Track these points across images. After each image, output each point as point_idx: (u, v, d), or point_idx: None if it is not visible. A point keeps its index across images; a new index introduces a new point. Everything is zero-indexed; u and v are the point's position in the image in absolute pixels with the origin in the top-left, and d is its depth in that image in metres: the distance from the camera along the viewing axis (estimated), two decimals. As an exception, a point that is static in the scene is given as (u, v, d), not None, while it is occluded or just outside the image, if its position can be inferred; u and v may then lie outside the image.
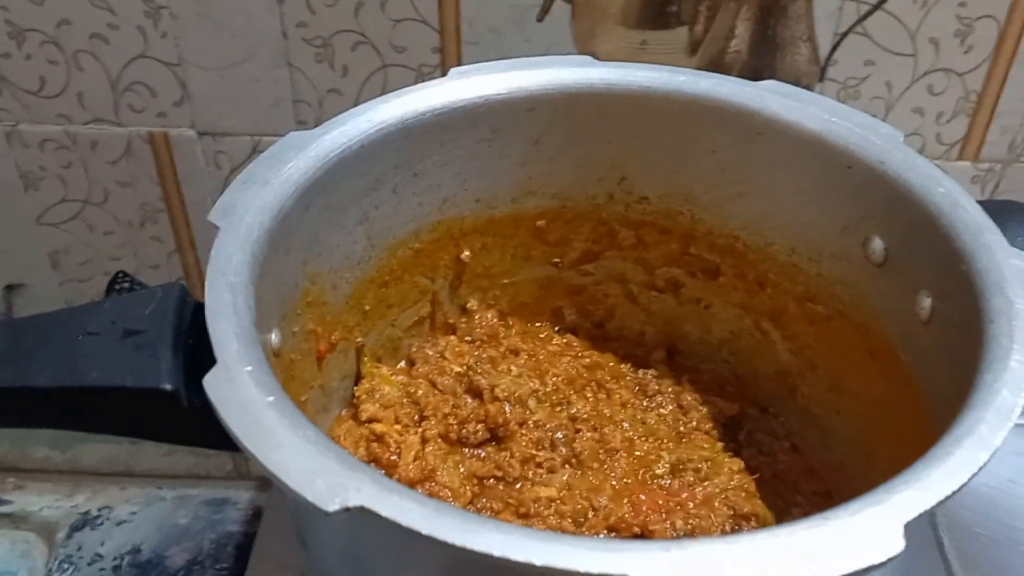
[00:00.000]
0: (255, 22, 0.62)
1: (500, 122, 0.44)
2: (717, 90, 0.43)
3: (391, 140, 0.41)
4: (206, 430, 0.31)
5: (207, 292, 0.31)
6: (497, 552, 0.24)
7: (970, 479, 0.25)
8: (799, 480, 0.46)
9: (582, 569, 0.24)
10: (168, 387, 0.32)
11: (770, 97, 0.43)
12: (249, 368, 0.29)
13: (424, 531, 0.25)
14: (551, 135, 0.45)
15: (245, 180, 0.37)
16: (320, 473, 0.26)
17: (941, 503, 0.25)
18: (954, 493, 0.25)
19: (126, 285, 0.74)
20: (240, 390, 0.28)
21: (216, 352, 0.29)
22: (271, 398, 0.28)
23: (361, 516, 0.25)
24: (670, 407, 0.48)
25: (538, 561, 0.24)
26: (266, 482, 0.85)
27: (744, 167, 0.44)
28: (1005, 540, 0.47)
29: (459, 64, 0.59)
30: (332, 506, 0.25)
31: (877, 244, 0.40)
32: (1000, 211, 0.37)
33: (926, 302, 0.37)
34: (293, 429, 0.27)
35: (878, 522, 0.24)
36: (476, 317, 0.50)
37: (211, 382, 0.28)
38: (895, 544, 0.24)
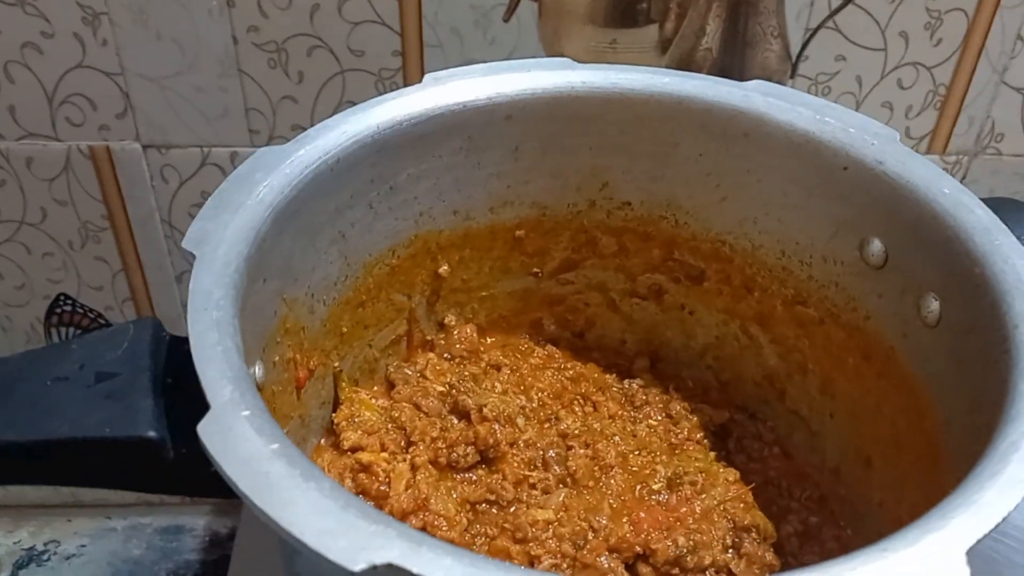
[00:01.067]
0: (202, 28, 0.58)
1: (477, 131, 0.43)
2: (702, 92, 0.42)
3: (366, 153, 0.40)
4: (194, 478, 0.28)
5: (191, 331, 0.29)
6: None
7: (1024, 498, 0.24)
8: (791, 485, 0.46)
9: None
10: (152, 435, 0.29)
11: (757, 98, 0.42)
12: (246, 413, 0.26)
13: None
14: (530, 142, 0.44)
15: (217, 204, 0.35)
16: (341, 529, 0.23)
17: (999, 525, 0.24)
18: (1010, 513, 0.24)
19: (68, 308, 0.70)
20: (240, 440, 0.26)
21: (209, 398, 0.27)
22: (275, 446, 0.26)
23: (389, 574, 0.23)
24: (659, 417, 0.47)
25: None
26: (223, 506, 0.82)
27: (730, 171, 0.43)
28: (1001, 540, 0.47)
29: (421, 67, 0.57)
30: (358, 565, 0.23)
31: (876, 246, 0.39)
32: (997, 209, 0.37)
33: (933, 305, 0.36)
34: (305, 480, 0.25)
35: (940, 551, 0.23)
36: (454, 333, 0.48)
37: (207, 432, 0.26)
38: (959, 573, 0.23)
